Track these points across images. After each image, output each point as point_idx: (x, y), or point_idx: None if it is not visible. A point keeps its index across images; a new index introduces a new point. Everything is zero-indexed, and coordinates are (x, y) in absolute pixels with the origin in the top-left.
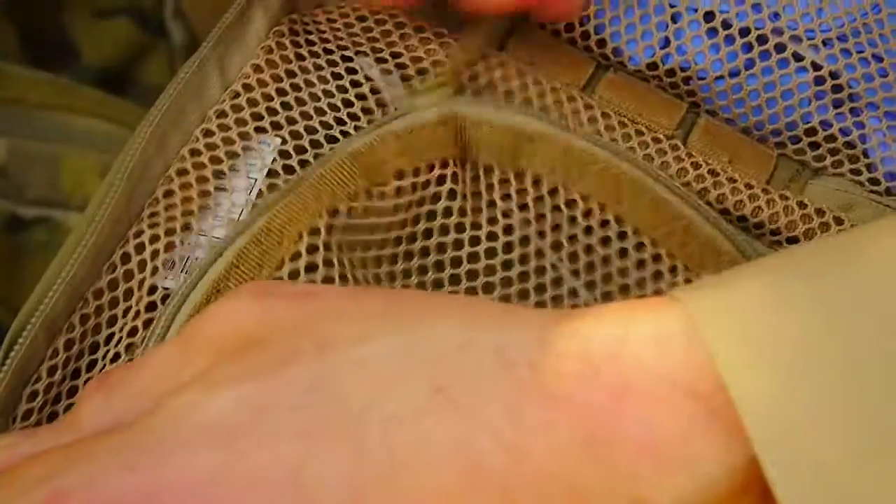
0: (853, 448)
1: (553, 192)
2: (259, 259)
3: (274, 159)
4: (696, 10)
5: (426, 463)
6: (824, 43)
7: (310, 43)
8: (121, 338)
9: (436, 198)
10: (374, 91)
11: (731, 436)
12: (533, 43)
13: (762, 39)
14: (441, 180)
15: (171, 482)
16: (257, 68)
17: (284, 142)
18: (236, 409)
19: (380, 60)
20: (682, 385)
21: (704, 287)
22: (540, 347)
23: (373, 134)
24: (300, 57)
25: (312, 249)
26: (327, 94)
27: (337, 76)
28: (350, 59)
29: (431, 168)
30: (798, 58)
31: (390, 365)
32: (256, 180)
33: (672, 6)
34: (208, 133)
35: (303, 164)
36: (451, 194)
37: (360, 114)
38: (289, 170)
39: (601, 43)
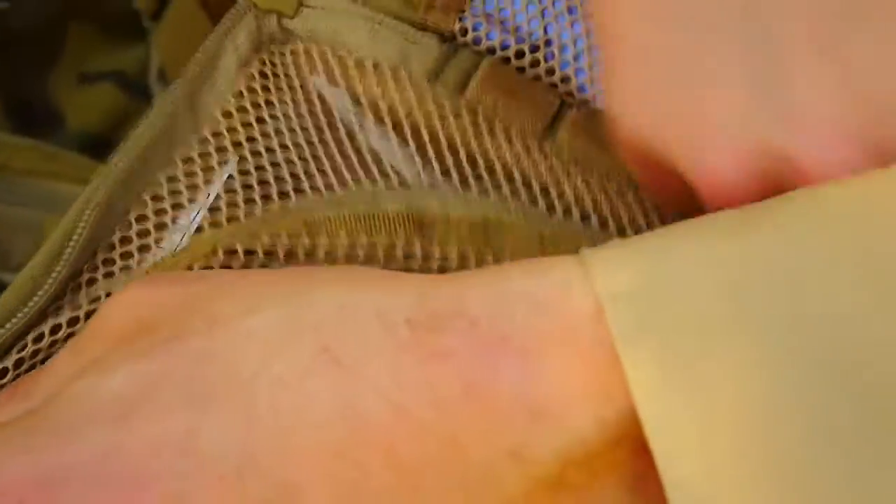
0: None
1: None
2: (171, 268)
3: (230, 176)
4: None
5: (313, 422)
6: None
7: (279, 88)
8: None
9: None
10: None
11: (605, 388)
12: (495, 84)
13: None
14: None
15: (69, 462)
16: (227, 114)
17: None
18: (128, 385)
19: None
20: (559, 337)
21: (608, 246)
22: (418, 306)
23: (334, 210)
24: (270, 104)
25: None
26: (296, 144)
27: (305, 129)
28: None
29: (392, 256)
30: None
31: (277, 332)
32: (199, 209)
33: None
34: (173, 179)
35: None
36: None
37: (329, 171)
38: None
39: (565, 80)
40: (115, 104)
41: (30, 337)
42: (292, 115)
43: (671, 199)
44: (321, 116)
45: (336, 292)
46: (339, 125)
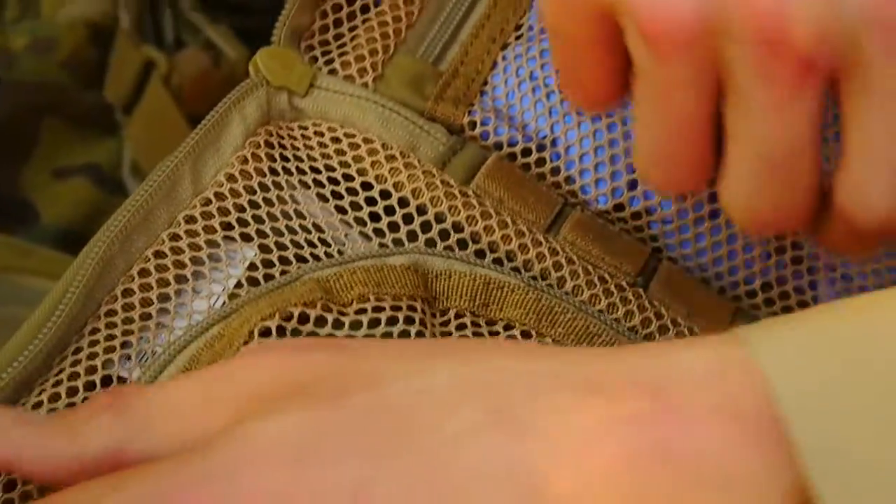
0: None
1: (525, 335)
2: (210, 362)
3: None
4: None
5: (489, 479)
6: None
7: (284, 158)
8: None
9: (403, 336)
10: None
11: (777, 457)
12: (501, 179)
13: None
14: (409, 320)
15: (240, 498)
16: (231, 177)
17: (255, 254)
18: (299, 431)
19: (347, 177)
20: (730, 408)
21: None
22: (594, 373)
23: (343, 266)
24: (274, 171)
25: None
26: (299, 214)
27: (309, 198)
28: (322, 184)
29: (398, 307)
30: None
31: (451, 392)
32: (223, 289)
33: None
34: (175, 237)
35: (268, 278)
36: (420, 336)
37: (330, 241)
38: (253, 282)
39: (569, 180)
40: (88, 199)
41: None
42: (297, 183)
43: None
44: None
45: (511, 359)
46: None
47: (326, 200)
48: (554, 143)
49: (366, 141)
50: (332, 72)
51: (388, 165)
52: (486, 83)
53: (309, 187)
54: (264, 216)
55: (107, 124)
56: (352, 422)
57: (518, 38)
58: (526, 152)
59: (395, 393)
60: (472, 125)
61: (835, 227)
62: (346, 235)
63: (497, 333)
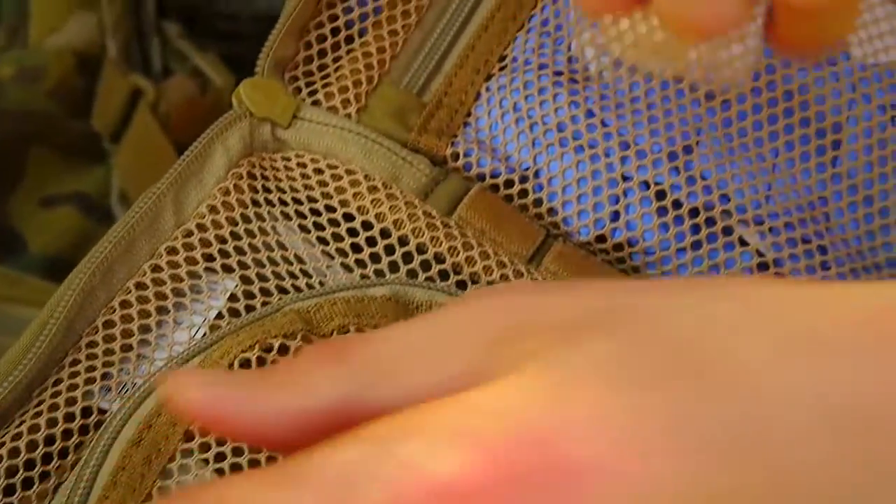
0: None
1: None
2: None
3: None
4: (648, 187)
5: (794, 409)
6: (771, 230)
7: (266, 189)
8: (52, 456)
9: None
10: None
11: None
12: (483, 210)
13: (711, 221)
14: None
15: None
16: (213, 209)
17: (236, 285)
18: (608, 356)
19: (329, 208)
20: None
21: None
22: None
23: (324, 297)
24: (256, 203)
25: None
26: (280, 246)
27: (291, 229)
28: (304, 215)
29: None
30: (744, 242)
31: (739, 319)
32: (204, 320)
33: (626, 179)
34: (157, 268)
35: (249, 309)
36: None
37: (312, 272)
38: (234, 313)
39: (552, 211)
40: (77, 227)
41: None
42: (279, 215)
43: None
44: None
45: (781, 286)
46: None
47: (308, 232)
48: (537, 174)
49: (348, 172)
50: (316, 103)
51: (370, 196)
52: (469, 114)
53: (291, 219)
54: (246, 247)
55: (94, 152)
56: (643, 351)
57: (502, 69)
58: (509, 184)
59: (677, 323)
60: (456, 156)
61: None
62: (327, 266)
63: None
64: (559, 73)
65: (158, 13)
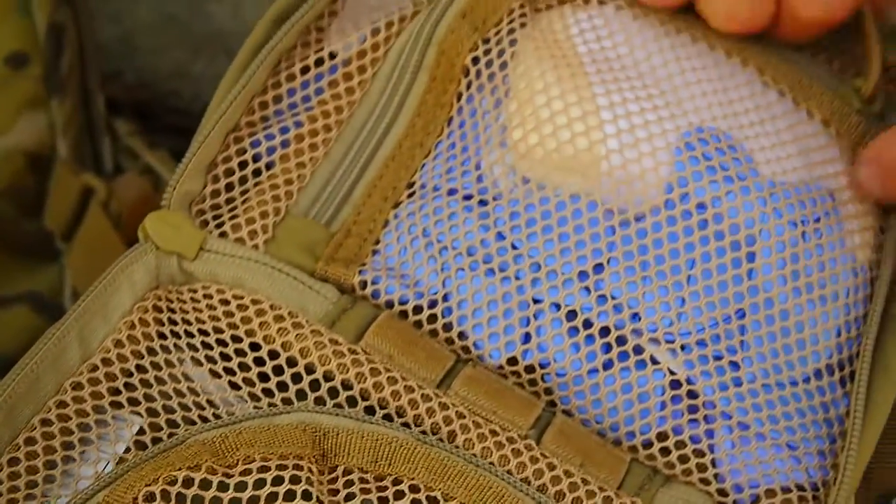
0: None
1: (414, 489)
2: None
3: (141, 429)
4: (558, 308)
5: None
6: (682, 347)
7: (172, 322)
8: None
9: (289, 496)
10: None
11: None
12: (390, 336)
13: (621, 340)
14: (295, 479)
15: None
16: (118, 343)
17: (142, 419)
18: None
19: (235, 339)
20: None
21: None
22: None
23: (230, 427)
24: (162, 335)
25: None
26: (186, 378)
27: (197, 361)
28: (210, 347)
29: (284, 466)
30: (655, 361)
31: None
32: (111, 455)
33: (536, 302)
34: (62, 404)
35: (155, 442)
36: (306, 495)
37: (219, 402)
38: (141, 446)
39: (462, 335)
40: (30, 327)
41: None
42: (185, 347)
43: None
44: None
45: None
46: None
47: (215, 363)
48: (446, 297)
49: (254, 302)
50: (223, 235)
51: (275, 325)
52: (378, 242)
53: (198, 350)
54: (152, 380)
55: (47, 252)
56: None
57: (410, 195)
58: (418, 309)
59: None
60: (363, 284)
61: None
62: (235, 397)
63: (386, 489)
64: (468, 197)
65: (109, 111)
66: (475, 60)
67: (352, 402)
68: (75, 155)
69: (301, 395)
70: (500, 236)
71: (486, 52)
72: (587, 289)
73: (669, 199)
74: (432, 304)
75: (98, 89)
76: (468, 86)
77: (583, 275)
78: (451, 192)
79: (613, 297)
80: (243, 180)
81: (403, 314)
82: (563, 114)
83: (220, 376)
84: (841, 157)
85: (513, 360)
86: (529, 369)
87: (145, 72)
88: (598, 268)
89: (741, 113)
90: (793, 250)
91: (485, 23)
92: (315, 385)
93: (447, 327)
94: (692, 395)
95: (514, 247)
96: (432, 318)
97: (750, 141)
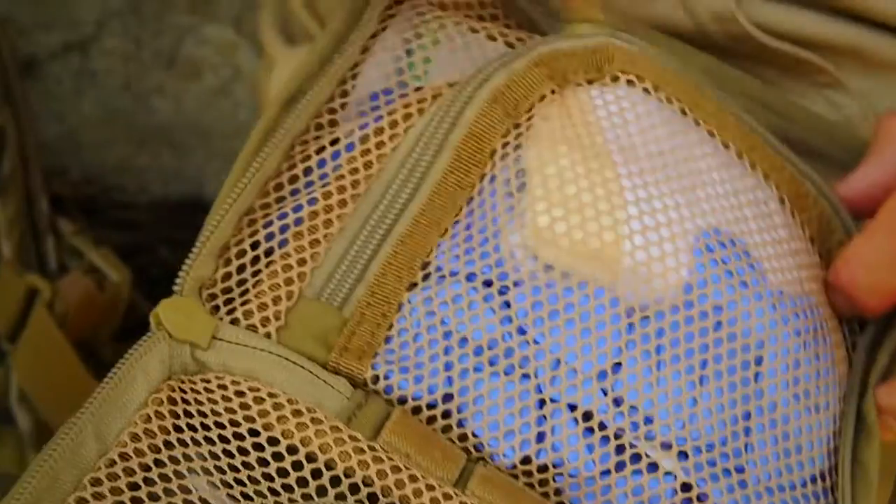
0: None
1: None
2: None
3: None
4: (574, 409)
5: None
6: (693, 449)
7: (188, 414)
8: None
9: None
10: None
11: None
12: (407, 435)
13: (634, 442)
14: None
15: None
16: (135, 436)
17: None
18: None
19: (252, 432)
20: None
21: None
22: None
23: None
24: (179, 429)
25: None
26: (206, 471)
27: (215, 455)
28: (227, 440)
29: None
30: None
31: None
32: None
33: (553, 401)
34: (82, 501)
35: None
36: None
37: (239, 497)
38: None
39: (476, 433)
40: None
41: None
42: (201, 440)
43: None
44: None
45: None
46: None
47: (233, 457)
48: (461, 392)
49: (270, 395)
50: (235, 321)
51: (294, 420)
52: (391, 327)
53: (214, 443)
54: (171, 475)
55: None
56: None
57: (426, 276)
58: (431, 405)
59: None
60: (375, 379)
61: None
62: (254, 492)
63: None
64: (488, 284)
65: (53, 209)
66: (505, 145)
67: (373, 498)
68: (19, 256)
69: (321, 491)
70: (521, 330)
71: (517, 136)
72: (604, 390)
73: (688, 299)
74: (446, 399)
75: (41, 189)
76: (493, 168)
77: (602, 374)
78: (470, 276)
79: (630, 399)
80: (255, 261)
81: (416, 409)
82: (591, 206)
83: (238, 471)
84: (821, 274)
85: (526, 460)
86: (542, 469)
87: (90, 167)
88: (617, 367)
89: (749, 218)
90: (795, 356)
91: (516, 108)
92: (335, 482)
93: (461, 423)
94: (702, 498)
95: (535, 342)
96: (446, 414)
97: (758, 249)
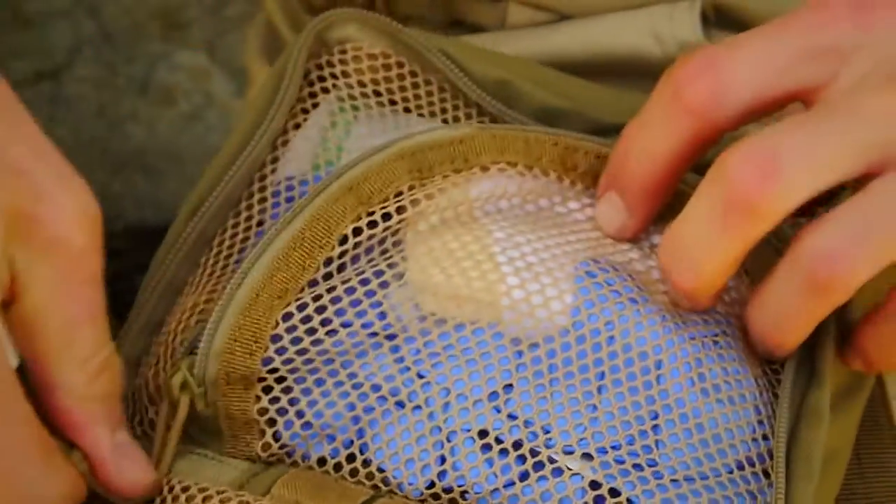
0: None
1: None
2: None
3: None
4: (469, 429)
5: None
6: (597, 450)
7: None
8: None
9: None
10: None
11: None
12: (298, 485)
13: (534, 451)
14: None
15: None
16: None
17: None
18: None
19: None
20: None
21: None
22: None
23: None
24: None
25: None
26: None
27: None
28: None
29: None
30: (571, 467)
31: None
32: None
33: (447, 425)
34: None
35: None
36: None
37: None
38: None
39: (381, 468)
40: None
41: None
42: None
43: None
44: None
45: None
46: None
47: None
48: (359, 434)
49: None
50: None
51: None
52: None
53: None
54: None
55: None
56: None
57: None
58: (333, 453)
59: None
60: (267, 447)
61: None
62: None
63: None
64: (373, 335)
65: None
66: (356, 231)
67: None
68: None
69: None
70: (405, 369)
71: (371, 224)
72: (497, 408)
73: (577, 320)
74: (347, 445)
75: None
76: (341, 254)
77: (494, 395)
78: (365, 325)
79: (525, 414)
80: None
81: (321, 460)
82: (467, 258)
83: None
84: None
85: (431, 484)
86: (448, 490)
87: None
88: (508, 388)
89: (628, 249)
90: (696, 356)
91: (370, 199)
92: None
93: (366, 463)
94: (614, 493)
95: (420, 376)
96: (351, 458)
97: (642, 275)
